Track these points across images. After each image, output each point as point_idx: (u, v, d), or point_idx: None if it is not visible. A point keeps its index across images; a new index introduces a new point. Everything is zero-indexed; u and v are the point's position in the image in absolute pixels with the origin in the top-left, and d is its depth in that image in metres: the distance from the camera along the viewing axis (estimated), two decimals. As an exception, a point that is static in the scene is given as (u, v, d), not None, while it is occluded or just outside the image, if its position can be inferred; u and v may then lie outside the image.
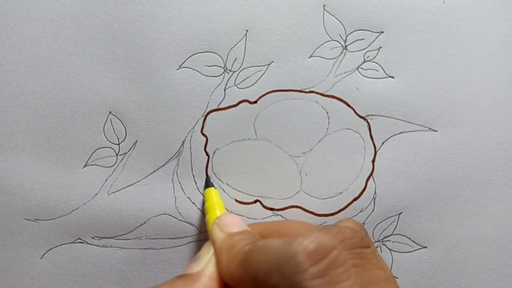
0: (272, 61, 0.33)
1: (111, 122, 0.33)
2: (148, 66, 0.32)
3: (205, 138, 0.33)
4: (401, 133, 0.33)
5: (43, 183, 0.33)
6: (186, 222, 0.33)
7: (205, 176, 0.33)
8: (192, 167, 0.33)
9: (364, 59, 0.33)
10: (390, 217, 0.33)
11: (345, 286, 0.20)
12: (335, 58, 0.33)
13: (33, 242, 0.33)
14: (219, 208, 0.29)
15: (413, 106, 0.33)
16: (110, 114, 0.33)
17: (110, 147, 0.33)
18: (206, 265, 0.25)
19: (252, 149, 0.33)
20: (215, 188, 0.32)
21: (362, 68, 0.33)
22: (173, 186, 0.33)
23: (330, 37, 0.32)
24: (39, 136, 0.33)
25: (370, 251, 0.23)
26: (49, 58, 0.32)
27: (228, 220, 0.27)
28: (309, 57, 0.33)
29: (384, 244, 0.33)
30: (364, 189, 0.33)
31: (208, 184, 0.32)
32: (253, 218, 0.33)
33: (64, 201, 0.33)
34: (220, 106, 0.33)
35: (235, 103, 0.33)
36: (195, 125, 0.33)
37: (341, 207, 0.33)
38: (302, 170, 0.33)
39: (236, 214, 0.32)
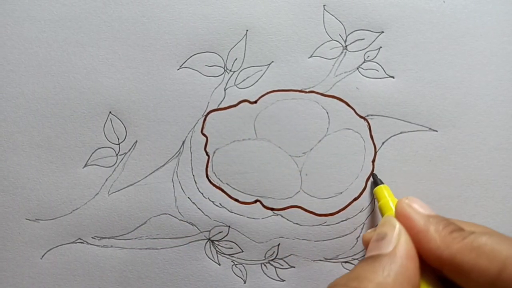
0: (272, 61, 0.33)
1: (111, 122, 0.33)
2: (149, 66, 0.32)
3: (205, 138, 0.33)
4: (401, 133, 0.33)
5: (43, 183, 0.33)
6: (187, 222, 0.33)
7: (205, 177, 0.33)
8: (192, 167, 0.33)
9: (364, 59, 0.33)
10: (390, 217, 0.33)
11: None
12: (335, 58, 0.33)
13: (33, 242, 0.33)
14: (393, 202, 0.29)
15: (413, 106, 0.33)
16: (110, 114, 0.33)
17: (110, 147, 0.33)
18: (397, 244, 0.23)
19: (252, 149, 0.33)
20: (385, 184, 0.30)
21: (362, 68, 0.33)
22: (173, 186, 0.33)
23: (330, 37, 0.32)
24: (39, 136, 0.33)
25: None
26: (49, 58, 0.32)
27: (418, 202, 0.26)
28: (309, 57, 0.33)
29: (384, 244, 0.33)
30: (364, 189, 0.33)
31: (376, 181, 0.31)
32: (253, 218, 0.33)
33: (65, 201, 0.33)
34: (220, 106, 0.33)
35: (235, 103, 0.33)
36: (195, 125, 0.33)
37: (341, 207, 0.33)
38: (302, 170, 0.33)
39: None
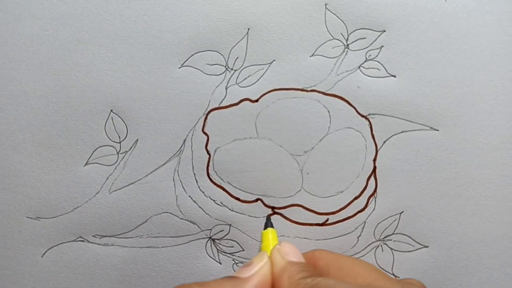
0: (274, 60, 0.33)
1: (113, 121, 0.33)
2: (150, 64, 0.32)
3: (206, 137, 0.33)
4: (402, 132, 0.33)
5: (44, 181, 0.33)
6: (188, 221, 0.33)
7: (206, 175, 0.33)
8: (193, 166, 0.33)
9: (366, 58, 0.33)
10: (391, 216, 0.33)
11: None
12: (337, 57, 0.33)
13: (34, 240, 0.33)
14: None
15: (414, 105, 0.33)
16: (111, 113, 0.33)
17: (111, 146, 0.33)
18: (257, 272, 0.26)
19: (253, 148, 0.33)
20: (274, 229, 0.31)
21: (364, 67, 0.33)
22: (174, 184, 0.33)
23: (332, 36, 0.33)
24: (40, 134, 0.33)
25: None
26: (50, 56, 0.32)
27: (289, 249, 0.28)
28: (310, 56, 0.33)
29: (385, 244, 0.33)
30: (365, 188, 0.33)
31: (267, 224, 0.31)
32: (254, 217, 0.33)
33: (66, 200, 0.33)
34: (222, 105, 0.33)
35: (236, 101, 0.33)
36: (196, 123, 0.33)
37: (342, 205, 0.33)
38: (303, 168, 0.33)
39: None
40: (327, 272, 0.28)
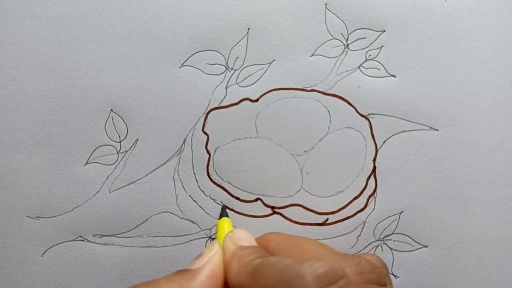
0: (274, 60, 0.33)
1: (113, 120, 0.33)
2: (150, 64, 0.32)
3: (206, 136, 0.33)
4: (402, 132, 0.33)
5: (44, 180, 0.33)
6: (188, 220, 0.33)
7: (206, 175, 0.33)
8: (193, 165, 0.33)
9: (366, 58, 0.33)
10: (391, 216, 0.33)
11: None
12: (337, 56, 0.33)
13: (34, 240, 0.33)
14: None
15: (414, 105, 0.33)
16: (111, 112, 0.33)
17: (111, 145, 0.33)
18: (206, 263, 0.25)
19: (253, 148, 0.33)
20: (229, 218, 0.31)
21: (364, 67, 0.33)
22: (174, 184, 0.33)
23: (332, 35, 0.33)
24: (40, 133, 0.33)
25: None
26: (50, 56, 0.32)
27: (241, 234, 0.27)
28: (310, 56, 0.33)
29: (384, 243, 0.33)
30: (365, 187, 0.33)
31: (222, 213, 0.31)
32: (254, 216, 0.33)
33: (66, 199, 0.33)
34: (222, 104, 0.33)
35: (236, 101, 0.33)
36: (196, 123, 0.33)
37: (342, 205, 0.33)
38: (303, 168, 0.33)
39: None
40: (277, 253, 0.28)
